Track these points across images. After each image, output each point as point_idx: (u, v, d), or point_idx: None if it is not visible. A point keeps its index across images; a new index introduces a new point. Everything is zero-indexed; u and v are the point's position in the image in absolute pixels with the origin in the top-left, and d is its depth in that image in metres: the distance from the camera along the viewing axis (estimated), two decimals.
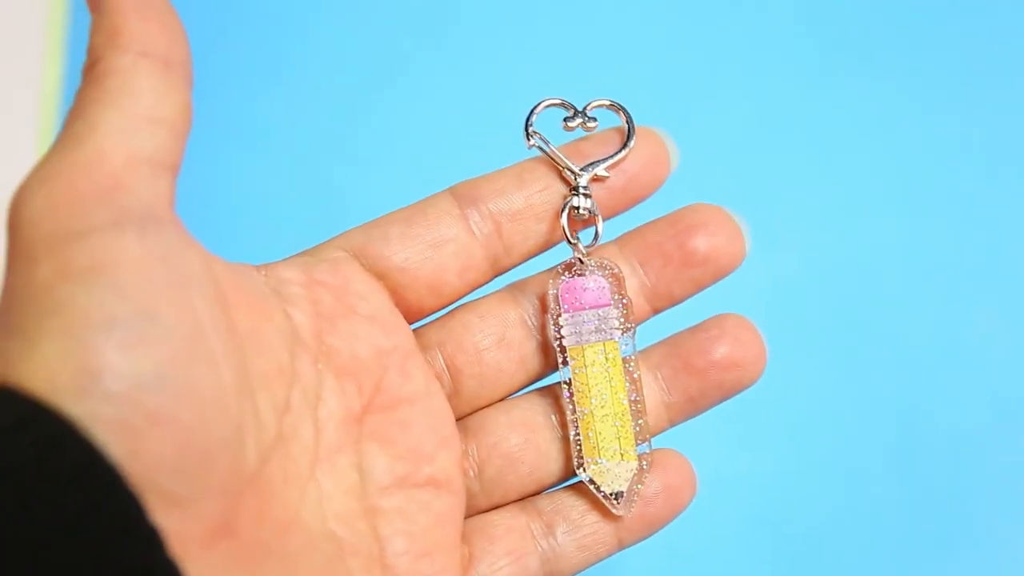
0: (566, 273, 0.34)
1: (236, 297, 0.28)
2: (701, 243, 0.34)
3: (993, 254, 0.56)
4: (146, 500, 0.23)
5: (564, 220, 0.34)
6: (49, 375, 0.23)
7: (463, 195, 0.34)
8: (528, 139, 0.34)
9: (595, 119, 0.35)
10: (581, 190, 0.34)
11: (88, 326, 0.23)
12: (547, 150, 0.34)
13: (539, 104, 0.35)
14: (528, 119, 0.35)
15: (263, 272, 0.31)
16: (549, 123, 0.35)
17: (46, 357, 0.23)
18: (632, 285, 0.34)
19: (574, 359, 0.34)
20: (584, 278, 0.34)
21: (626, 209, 0.35)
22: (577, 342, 0.34)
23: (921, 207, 0.57)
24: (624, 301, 0.34)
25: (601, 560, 0.34)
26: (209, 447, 0.24)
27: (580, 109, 0.35)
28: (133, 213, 0.25)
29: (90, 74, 0.27)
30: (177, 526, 0.23)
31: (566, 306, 0.34)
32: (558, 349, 0.34)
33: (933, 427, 0.53)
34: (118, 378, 0.23)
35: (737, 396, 0.35)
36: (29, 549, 0.21)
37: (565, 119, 0.35)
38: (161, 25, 0.27)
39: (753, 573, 0.50)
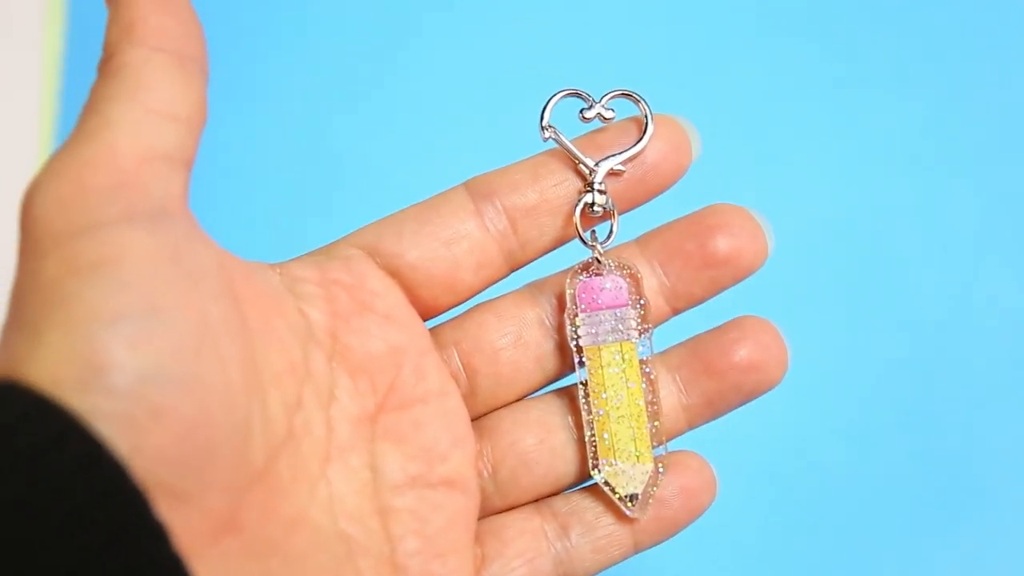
0: (584, 273, 0.34)
1: (248, 294, 0.28)
2: (722, 243, 0.33)
3: (1004, 211, 0.56)
4: (151, 495, 0.22)
5: (577, 217, 0.33)
6: (54, 370, 0.22)
7: (477, 190, 0.33)
8: (543, 132, 0.34)
9: (612, 110, 0.34)
10: (596, 186, 0.33)
11: (94, 321, 0.23)
12: (562, 143, 0.34)
13: (555, 95, 0.35)
14: (543, 111, 0.34)
15: (277, 271, 0.31)
16: (567, 115, 0.34)
17: (51, 352, 0.23)
18: (652, 285, 0.34)
19: (590, 359, 0.33)
20: (602, 278, 0.34)
21: (646, 200, 0.34)
22: (593, 342, 0.33)
23: (929, 165, 0.57)
24: (642, 302, 0.34)
25: (616, 563, 0.33)
26: (214, 443, 0.24)
27: (597, 100, 0.34)
28: (144, 208, 0.25)
29: (104, 68, 0.27)
30: (182, 521, 0.23)
31: (583, 306, 0.34)
32: (575, 349, 0.33)
33: (943, 390, 0.53)
34: (123, 373, 0.23)
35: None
36: (33, 545, 0.21)
37: (581, 111, 0.34)
38: (177, 19, 0.27)
39: (759, 533, 0.50)
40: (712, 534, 0.49)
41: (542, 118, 0.34)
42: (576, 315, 0.34)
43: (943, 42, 0.59)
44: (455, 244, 0.33)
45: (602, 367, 0.33)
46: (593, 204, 0.33)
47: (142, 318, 0.24)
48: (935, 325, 0.54)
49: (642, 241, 0.35)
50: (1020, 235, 0.55)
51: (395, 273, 0.33)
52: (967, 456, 0.52)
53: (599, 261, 0.34)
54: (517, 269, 0.35)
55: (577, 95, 0.35)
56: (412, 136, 0.58)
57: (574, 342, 0.33)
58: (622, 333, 0.33)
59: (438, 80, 0.60)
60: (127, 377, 0.23)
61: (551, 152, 0.34)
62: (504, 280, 0.35)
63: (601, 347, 0.33)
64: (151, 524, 0.22)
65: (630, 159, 0.34)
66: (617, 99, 0.35)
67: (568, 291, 0.34)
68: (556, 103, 0.35)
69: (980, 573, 0.50)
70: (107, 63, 0.27)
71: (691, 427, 0.34)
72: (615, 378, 0.33)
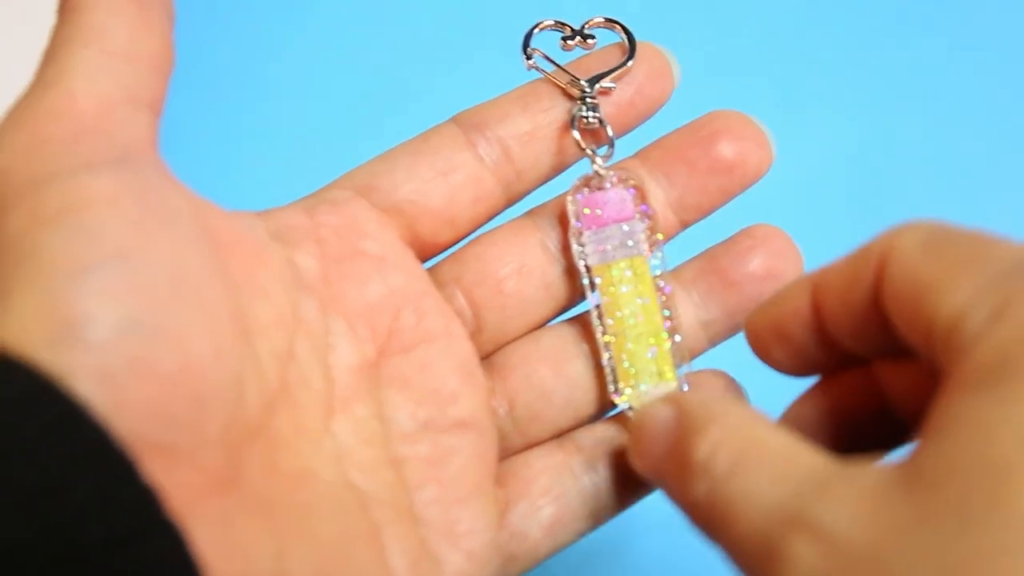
0: (584, 188, 0.32)
1: (229, 241, 0.26)
2: (727, 149, 0.32)
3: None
4: (138, 454, 0.21)
5: (575, 131, 0.32)
6: (24, 327, 0.21)
7: (467, 123, 0.32)
8: (527, 59, 0.33)
9: (593, 36, 0.34)
10: (588, 99, 0.32)
11: (61, 272, 0.21)
12: (548, 66, 0.33)
13: (535, 26, 0.34)
14: (526, 40, 0.33)
15: (263, 218, 0.29)
16: (547, 47, 0.34)
17: (20, 309, 0.21)
18: (657, 198, 0.32)
19: (600, 278, 0.31)
20: (604, 192, 0.32)
21: (635, 126, 0.33)
22: (603, 260, 0.31)
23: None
24: (649, 212, 0.32)
25: (651, 493, 0.31)
26: (203, 395, 0.22)
27: (577, 29, 0.34)
28: (108, 154, 0.24)
29: (62, 12, 0.25)
30: (174, 479, 0.21)
31: (588, 222, 0.32)
32: (583, 269, 0.32)
33: None
34: (96, 325, 0.21)
35: None
36: (6, 516, 0.19)
37: (563, 39, 0.34)
38: None
39: None
40: None
41: (526, 45, 0.33)
42: (581, 233, 0.32)
43: None
44: (451, 174, 0.31)
45: (614, 285, 0.31)
46: (588, 116, 0.32)
47: (112, 265, 0.22)
48: None
49: (642, 155, 0.33)
50: None
51: (391, 211, 0.31)
52: None
53: (599, 175, 0.32)
54: (515, 202, 0.33)
55: (557, 25, 0.34)
56: (390, 80, 0.57)
57: (582, 261, 0.32)
58: (632, 248, 0.32)
59: (418, 22, 0.58)
60: (101, 329, 0.21)
61: (538, 80, 0.33)
62: (501, 216, 0.33)
63: (611, 264, 0.31)
64: (137, 488, 0.20)
65: (619, 76, 0.33)
66: (598, 28, 0.34)
67: (570, 207, 0.32)
68: (538, 34, 0.34)
69: None
70: (65, 5, 0.25)
71: (712, 344, 0.33)
72: (628, 296, 0.31)
